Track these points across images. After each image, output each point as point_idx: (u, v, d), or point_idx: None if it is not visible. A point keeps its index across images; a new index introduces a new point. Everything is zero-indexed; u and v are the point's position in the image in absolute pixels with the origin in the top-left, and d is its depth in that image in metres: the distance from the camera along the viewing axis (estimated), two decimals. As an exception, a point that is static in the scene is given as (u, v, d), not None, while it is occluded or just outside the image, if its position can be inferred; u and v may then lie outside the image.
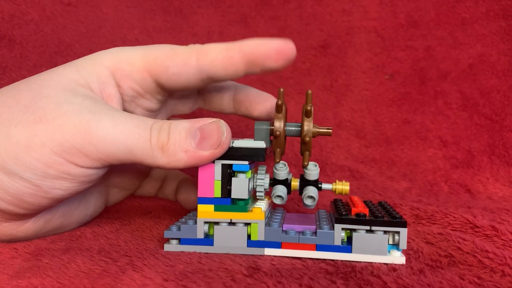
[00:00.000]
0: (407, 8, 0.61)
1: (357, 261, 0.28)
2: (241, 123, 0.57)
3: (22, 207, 0.28)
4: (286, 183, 0.32)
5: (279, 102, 0.31)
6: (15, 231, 0.30)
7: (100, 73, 0.31)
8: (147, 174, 0.41)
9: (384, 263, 0.28)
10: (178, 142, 0.28)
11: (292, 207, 0.45)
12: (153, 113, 0.36)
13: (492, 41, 0.59)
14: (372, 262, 0.28)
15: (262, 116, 0.36)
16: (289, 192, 0.32)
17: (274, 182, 0.32)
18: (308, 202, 0.32)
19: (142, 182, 0.41)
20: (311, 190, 0.32)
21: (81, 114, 0.28)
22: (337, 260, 0.29)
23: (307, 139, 0.31)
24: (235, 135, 0.30)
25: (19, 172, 0.27)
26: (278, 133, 0.31)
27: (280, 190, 0.32)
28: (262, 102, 0.36)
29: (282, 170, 0.32)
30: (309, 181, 0.32)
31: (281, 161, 0.32)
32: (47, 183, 0.27)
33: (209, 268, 0.26)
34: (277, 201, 0.32)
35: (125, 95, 0.33)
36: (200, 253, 0.29)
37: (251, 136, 0.56)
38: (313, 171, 0.32)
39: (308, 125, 0.31)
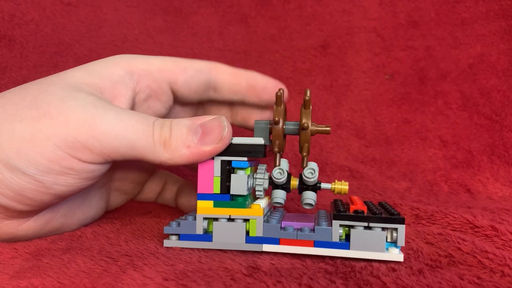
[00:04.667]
0: (407, 8, 0.61)
1: (355, 259, 0.28)
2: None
3: (24, 203, 0.28)
4: (285, 186, 0.33)
5: (276, 118, 0.32)
6: (16, 230, 0.30)
7: (112, 72, 0.32)
8: (148, 178, 0.41)
9: (384, 263, 0.28)
10: (180, 138, 0.29)
11: (292, 207, 0.45)
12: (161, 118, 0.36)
13: (492, 41, 0.59)
14: (371, 261, 0.28)
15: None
16: (288, 186, 0.33)
17: (273, 185, 0.33)
18: (306, 207, 0.33)
19: (143, 186, 0.41)
20: (309, 196, 0.32)
21: (85, 109, 0.28)
22: (337, 259, 0.29)
23: (304, 153, 0.31)
24: (235, 134, 0.31)
25: (22, 167, 0.27)
26: (276, 149, 0.32)
27: (279, 196, 0.33)
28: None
29: (280, 178, 0.32)
30: (308, 185, 0.33)
31: (277, 168, 0.32)
32: (50, 178, 0.27)
33: (209, 267, 0.26)
34: (276, 205, 0.32)
35: (142, 93, 0.34)
36: (200, 252, 0.29)
37: (250, 135, 0.56)
38: (311, 179, 0.32)
39: (306, 136, 0.32)
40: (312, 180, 0.32)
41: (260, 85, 0.36)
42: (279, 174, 0.32)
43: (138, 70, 0.33)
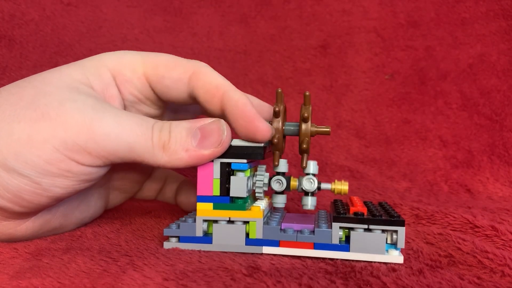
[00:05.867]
0: (407, 8, 0.61)
1: (355, 260, 0.29)
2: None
3: (21, 205, 0.28)
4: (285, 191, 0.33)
5: (277, 109, 0.31)
6: (14, 230, 0.30)
7: (103, 74, 0.31)
8: (148, 177, 0.41)
9: (384, 263, 0.28)
10: (179, 141, 0.29)
11: (292, 207, 0.45)
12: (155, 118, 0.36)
13: (492, 41, 0.59)
14: (371, 262, 0.28)
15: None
16: (288, 188, 0.33)
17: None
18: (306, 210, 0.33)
19: (142, 185, 0.41)
20: (309, 203, 0.32)
21: (84, 111, 0.28)
22: (337, 260, 0.29)
23: (305, 146, 0.31)
24: (235, 135, 0.31)
25: (19, 169, 0.27)
26: (275, 141, 0.31)
27: (279, 201, 0.33)
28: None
29: (280, 189, 0.32)
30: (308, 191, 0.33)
31: (276, 178, 0.32)
32: (47, 180, 0.27)
33: (209, 267, 0.26)
34: (276, 187, 0.32)
35: (125, 100, 0.33)
36: (200, 252, 0.29)
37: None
38: (311, 190, 0.32)
39: (306, 129, 0.32)
40: (312, 190, 0.32)
41: (239, 112, 0.30)
42: (278, 184, 0.32)
43: (121, 76, 0.32)
